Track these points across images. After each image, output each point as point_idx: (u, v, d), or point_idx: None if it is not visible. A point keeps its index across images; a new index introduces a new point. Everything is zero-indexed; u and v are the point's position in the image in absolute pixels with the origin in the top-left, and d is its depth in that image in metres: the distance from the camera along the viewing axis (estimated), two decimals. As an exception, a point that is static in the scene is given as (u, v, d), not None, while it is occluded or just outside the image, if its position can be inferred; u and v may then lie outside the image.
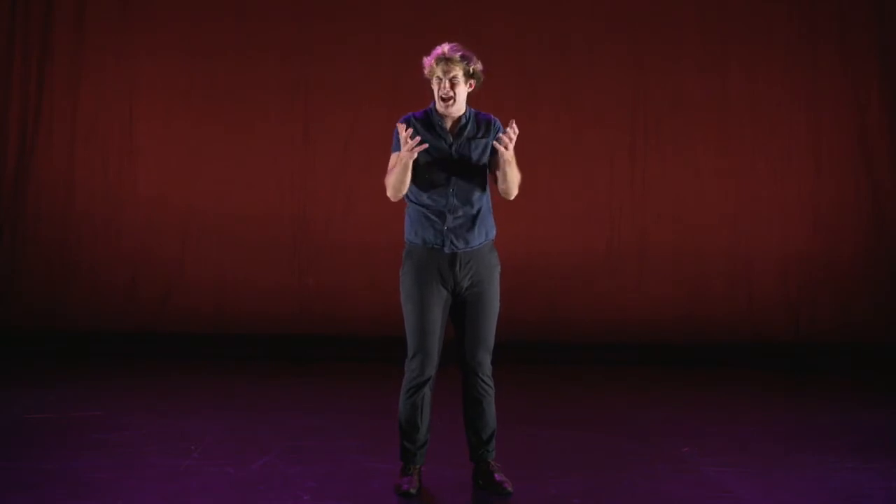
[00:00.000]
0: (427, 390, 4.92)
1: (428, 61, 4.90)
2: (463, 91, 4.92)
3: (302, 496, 4.84)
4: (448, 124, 4.95)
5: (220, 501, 4.78)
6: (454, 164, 4.90)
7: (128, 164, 9.53)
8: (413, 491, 4.89)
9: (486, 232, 4.97)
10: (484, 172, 4.98)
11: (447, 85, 4.87)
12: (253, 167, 9.52)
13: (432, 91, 4.96)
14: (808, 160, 9.52)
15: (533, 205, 9.33)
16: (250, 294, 9.39)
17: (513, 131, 4.80)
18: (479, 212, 4.93)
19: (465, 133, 4.95)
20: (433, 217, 4.89)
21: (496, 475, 4.96)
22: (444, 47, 4.89)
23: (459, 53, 4.88)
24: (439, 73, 4.87)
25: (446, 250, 4.88)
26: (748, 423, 6.71)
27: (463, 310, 4.93)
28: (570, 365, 8.86)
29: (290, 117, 9.53)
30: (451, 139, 4.92)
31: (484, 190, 4.97)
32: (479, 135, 4.96)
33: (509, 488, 4.92)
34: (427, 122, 4.95)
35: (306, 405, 7.13)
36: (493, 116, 5.05)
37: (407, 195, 4.94)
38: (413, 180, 4.90)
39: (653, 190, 9.54)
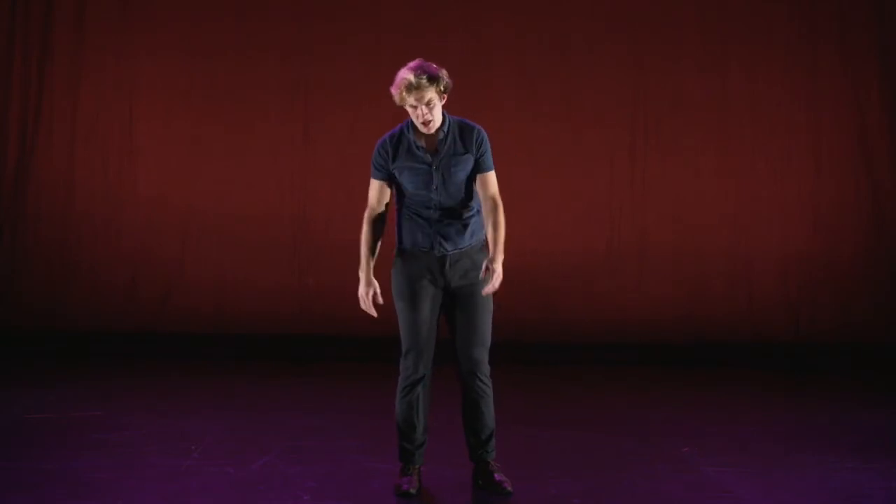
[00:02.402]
0: (421, 388, 4.91)
1: (395, 91, 4.71)
2: (439, 108, 4.78)
3: (302, 496, 4.84)
4: (425, 142, 4.85)
5: (220, 501, 4.78)
6: (437, 180, 4.84)
7: (128, 164, 9.53)
8: (413, 491, 4.89)
9: (475, 233, 4.94)
10: (470, 182, 4.90)
11: (424, 111, 4.73)
12: (253, 167, 9.52)
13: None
14: (808, 160, 9.52)
15: (533, 205, 9.34)
16: (250, 294, 9.39)
17: (492, 285, 4.70)
18: (467, 217, 4.91)
19: (445, 150, 4.84)
20: (422, 222, 4.88)
21: (496, 475, 4.96)
22: (409, 75, 4.67)
23: (426, 76, 4.68)
24: (412, 101, 4.70)
25: (436, 253, 4.87)
26: (748, 423, 6.71)
27: (456, 309, 4.92)
28: (570, 365, 8.86)
29: (290, 117, 9.53)
30: (431, 158, 4.85)
31: (471, 197, 4.92)
32: (461, 150, 4.85)
33: (509, 488, 4.91)
34: (405, 143, 4.85)
35: (306, 405, 7.13)
36: (477, 126, 4.90)
37: (399, 204, 4.93)
38: (400, 192, 4.91)
39: (653, 190, 9.54)
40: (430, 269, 4.87)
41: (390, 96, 4.82)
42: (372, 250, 4.91)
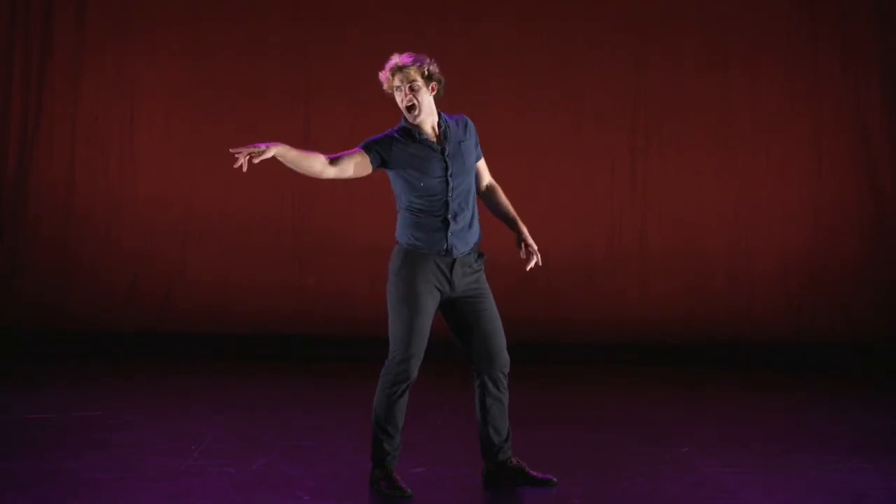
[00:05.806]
0: (407, 392, 4.90)
1: (384, 75, 4.85)
2: (426, 96, 4.82)
3: (302, 496, 4.84)
4: (428, 134, 4.86)
5: (221, 501, 4.78)
6: (449, 170, 4.83)
7: (128, 164, 9.53)
8: (410, 491, 4.85)
9: (476, 234, 4.95)
10: (473, 173, 4.95)
11: (407, 91, 4.79)
12: (253, 167, 9.48)
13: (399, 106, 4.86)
14: (809, 160, 9.52)
15: (533, 205, 9.31)
16: (251, 294, 9.39)
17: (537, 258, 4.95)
18: (474, 212, 4.93)
19: (451, 137, 4.87)
20: (438, 224, 4.83)
21: (533, 473, 4.99)
22: (395, 57, 4.83)
23: (411, 59, 4.81)
24: (397, 82, 4.81)
25: (455, 254, 4.85)
26: (748, 423, 6.71)
27: (470, 313, 4.90)
28: (570, 365, 8.86)
29: (291, 117, 9.52)
30: (440, 146, 4.86)
31: (473, 191, 4.95)
32: (463, 137, 4.90)
33: (554, 479, 4.98)
34: (410, 137, 4.85)
35: (306, 405, 7.13)
36: (464, 116, 4.99)
37: (403, 204, 4.88)
38: (410, 191, 4.84)
39: (653, 190, 9.55)
40: (437, 273, 4.83)
41: (391, 96, 4.85)
42: (305, 156, 4.77)
